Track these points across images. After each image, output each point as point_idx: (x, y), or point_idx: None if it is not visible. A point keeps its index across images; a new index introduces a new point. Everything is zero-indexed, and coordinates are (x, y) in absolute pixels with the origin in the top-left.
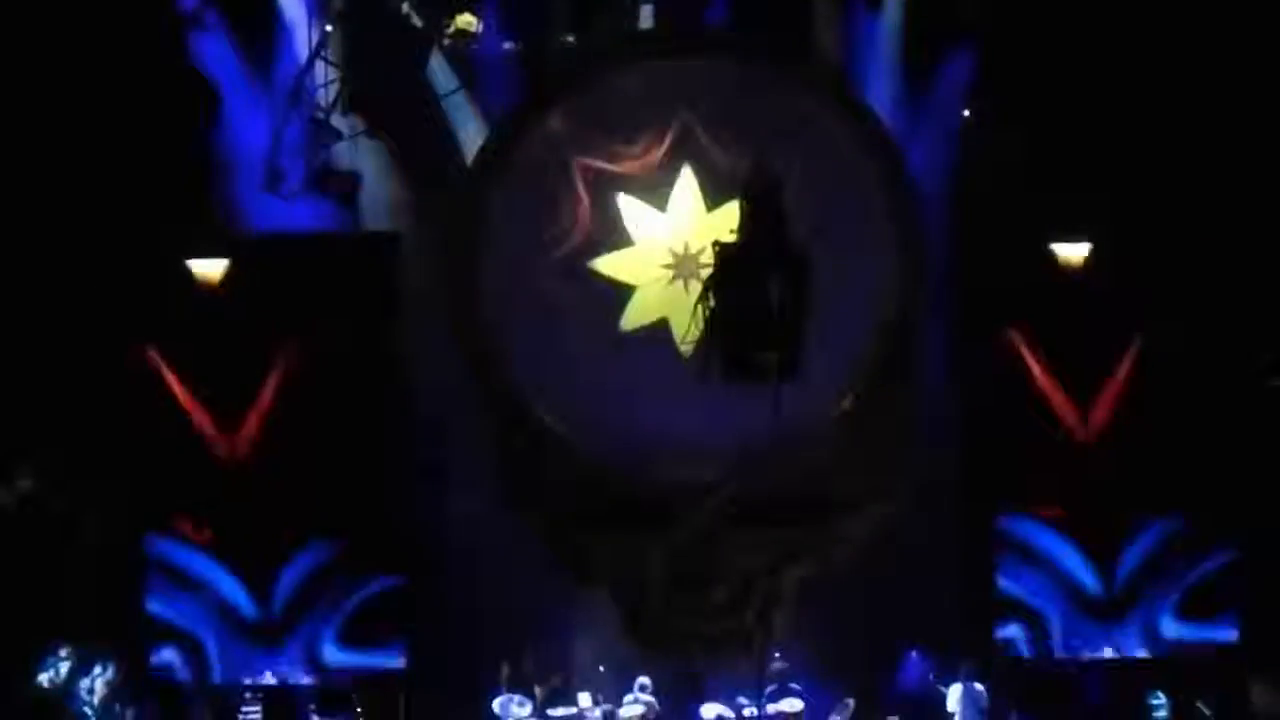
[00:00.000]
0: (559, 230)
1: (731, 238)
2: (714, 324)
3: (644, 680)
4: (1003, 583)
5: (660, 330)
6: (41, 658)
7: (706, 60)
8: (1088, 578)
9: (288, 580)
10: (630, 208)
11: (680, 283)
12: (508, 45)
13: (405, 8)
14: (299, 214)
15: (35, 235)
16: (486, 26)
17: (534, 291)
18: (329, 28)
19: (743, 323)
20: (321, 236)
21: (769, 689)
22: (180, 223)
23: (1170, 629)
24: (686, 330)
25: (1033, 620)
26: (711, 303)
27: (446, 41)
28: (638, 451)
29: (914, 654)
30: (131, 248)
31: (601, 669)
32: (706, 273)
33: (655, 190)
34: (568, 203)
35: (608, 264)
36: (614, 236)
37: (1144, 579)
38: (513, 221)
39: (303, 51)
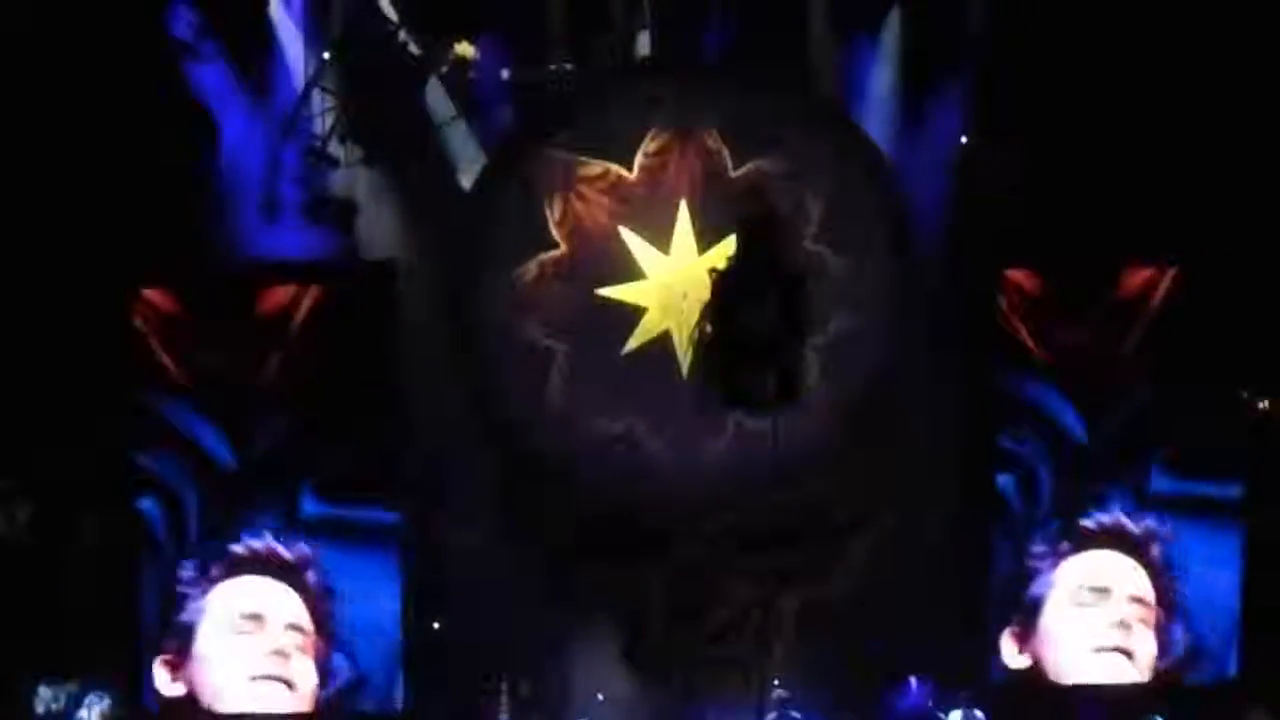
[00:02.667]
0: (558, 258)
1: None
2: (711, 350)
3: None
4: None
5: (660, 360)
6: (38, 687)
7: (705, 86)
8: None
9: None
10: (635, 246)
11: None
12: (506, 73)
13: (403, 36)
14: (294, 242)
15: (24, 256)
16: (484, 55)
17: (533, 320)
18: (326, 56)
19: (740, 349)
20: (317, 265)
21: (769, 716)
22: (173, 251)
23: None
24: (687, 349)
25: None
26: (709, 329)
27: (444, 69)
28: (637, 481)
29: (913, 680)
30: (123, 275)
31: (600, 697)
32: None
33: (656, 220)
34: (566, 230)
35: (616, 293)
36: (616, 266)
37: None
38: (511, 250)
39: (299, 79)
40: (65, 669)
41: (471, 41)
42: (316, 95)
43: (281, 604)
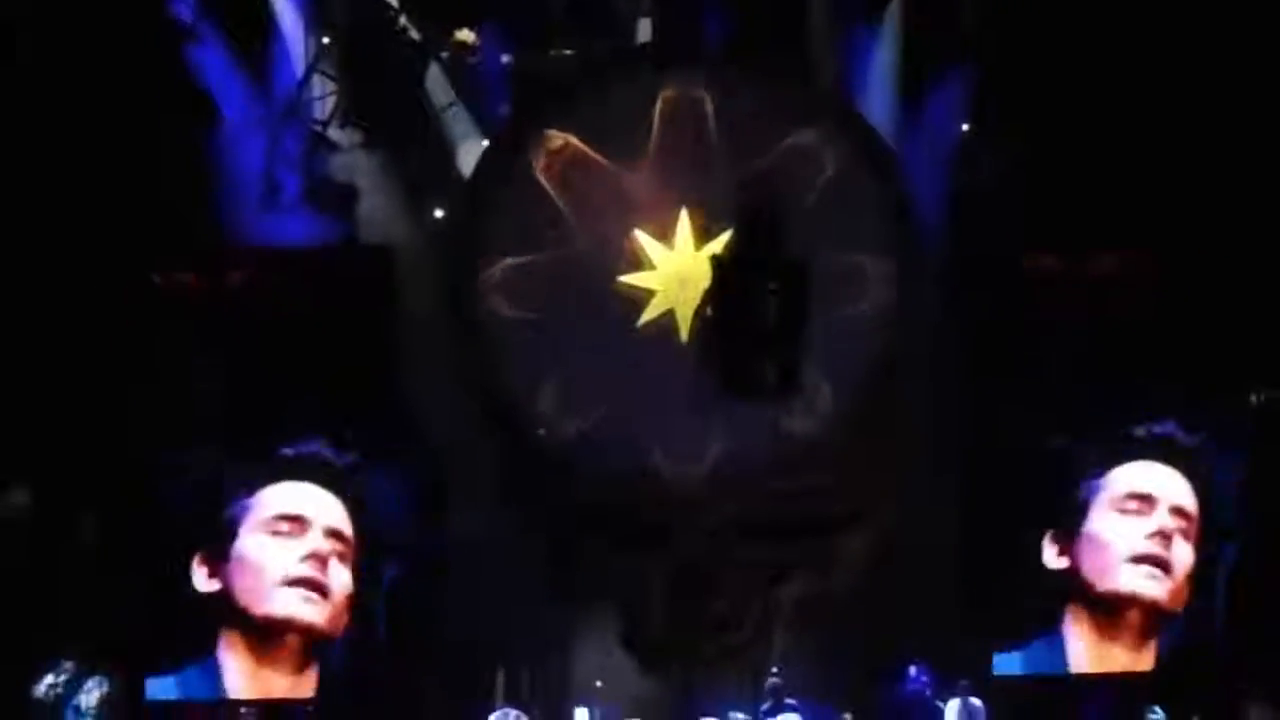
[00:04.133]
0: (557, 244)
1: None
2: (712, 338)
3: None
4: None
5: (663, 348)
6: (38, 672)
7: (705, 74)
8: None
9: None
10: (638, 236)
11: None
12: (506, 59)
13: (403, 21)
14: (295, 227)
15: (27, 243)
16: (485, 40)
17: (533, 307)
18: (326, 41)
19: (741, 337)
20: (317, 250)
21: (767, 705)
22: (174, 235)
23: None
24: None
25: None
26: (709, 316)
27: (444, 55)
28: (638, 470)
29: (912, 670)
30: (127, 260)
31: (599, 684)
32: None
33: (655, 209)
34: (566, 216)
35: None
36: (615, 252)
37: None
38: (511, 236)
39: (300, 64)
40: (65, 654)
41: (472, 27)
42: (317, 80)
43: (324, 509)
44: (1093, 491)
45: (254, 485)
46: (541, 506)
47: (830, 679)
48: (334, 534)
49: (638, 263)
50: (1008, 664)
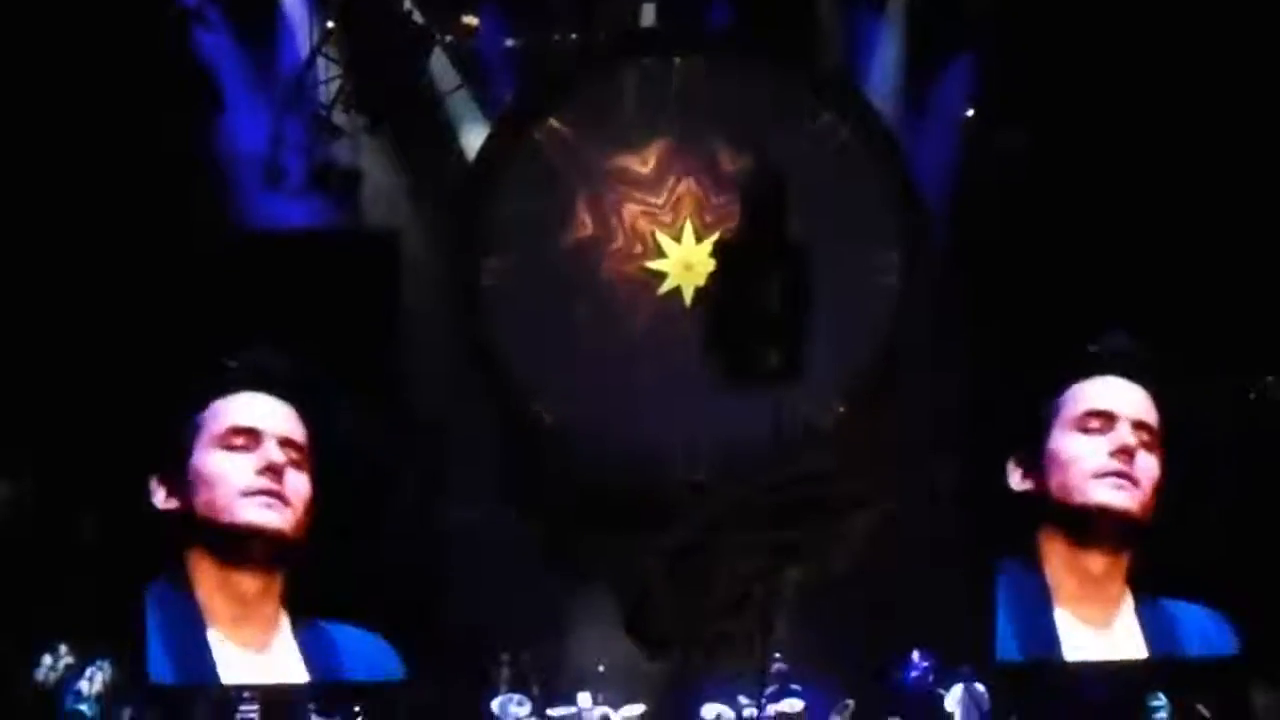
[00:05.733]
0: (561, 228)
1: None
2: (715, 322)
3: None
4: None
5: (665, 332)
6: (39, 655)
7: (708, 58)
8: None
9: None
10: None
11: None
12: (510, 43)
13: (407, 5)
14: (298, 211)
15: (27, 228)
16: (488, 24)
17: (535, 291)
18: (330, 24)
19: (742, 321)
20: (320, 234)
21: (769, 689)
22: (177, 220)
23: None
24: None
25: None
26: (713, 301)
27: (448, 39)
28: (639, 453)
29: (915, 655)
30: (129, 244)
31: (601, 669)
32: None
33: (659, 194)
34: (569, 201)
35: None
36: (619, 237)
37: None
38: (514, 220)
39: (304, 48)
40: (66, 638)
41: (476, 11)
42: (321, 63)
43: (277, 419)
44: (1052, 411)
45: (204, 399)
46: (542, 489)
47: (833, 664)
48: (287, 442)
49: (641, 247)
50: (1008, 649)
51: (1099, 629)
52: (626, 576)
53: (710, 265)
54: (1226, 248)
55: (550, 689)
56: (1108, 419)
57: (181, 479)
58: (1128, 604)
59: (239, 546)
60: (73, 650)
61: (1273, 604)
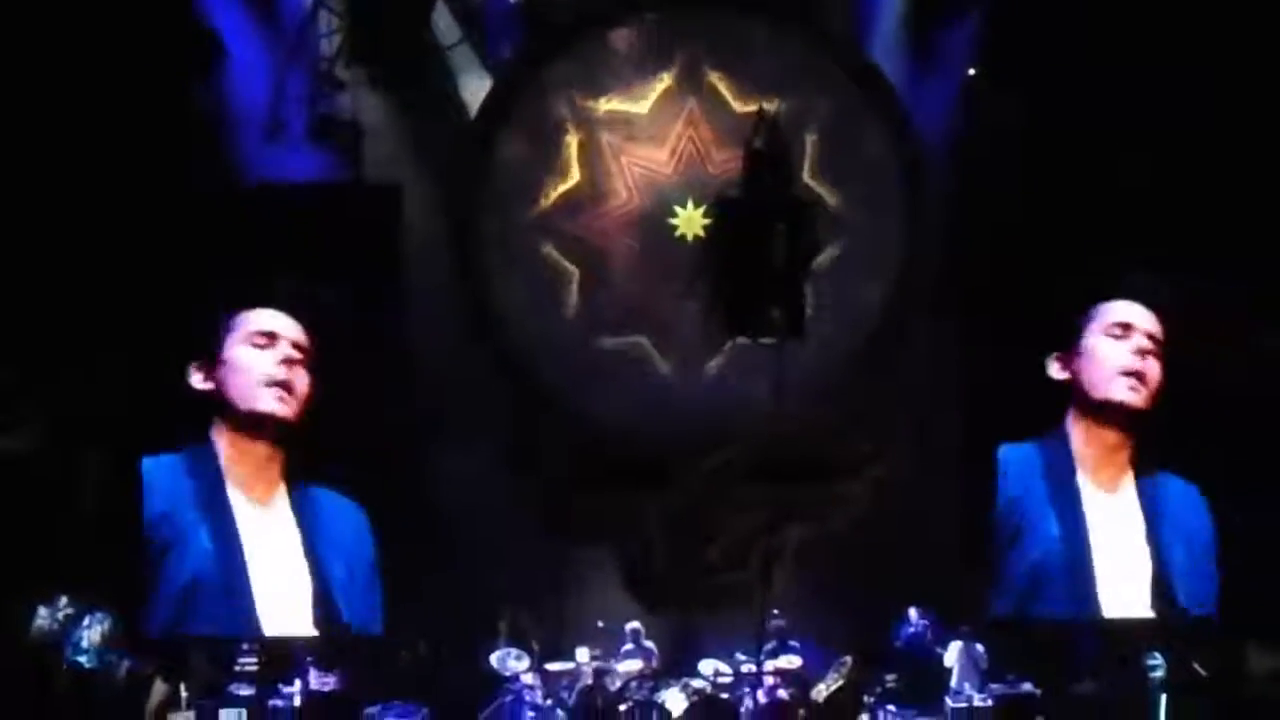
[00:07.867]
0: (562, 183)
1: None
2: (716, 279)
3: (636, 626)
4: None
5: (666, 289)
6: (38, 607)
7: (708, 12)
8: None
9: None
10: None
11: None
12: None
13: None
14: (300, 164)
15: (31, 188)
16: None
17: (536, 247)
18: None
19: (746, 278)
20: (322, 187)
21: (767, 646)
22: (181, 173)
23: None
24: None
25: None
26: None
27: None
28: (637, 411)
29: (912, 612)
30: (134, 198)
31: (600, 624)
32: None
33: (660, 142)
34: (571, 155)
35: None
36: (619, 187)
37: None
38: (516, 175)
39: (306, 1)
40: (64, 588)
41: None
42: (323, 17)
43: (289, 327)
44: (1087, 320)
45: (236, 310)
46: (541, 445)
47: (831, 621)
48: (297, 345)
49: (641, 200)
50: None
51: (1109, 493)
52: (625, 536)
53: (710, 218)
54: (1228, 189)
55: (549, 643)
56: (1127, 329)
57: (215, 366)
58: (1130, 476)
59: (255, 424)
60: (72, 602)
61: (1238, 479)
